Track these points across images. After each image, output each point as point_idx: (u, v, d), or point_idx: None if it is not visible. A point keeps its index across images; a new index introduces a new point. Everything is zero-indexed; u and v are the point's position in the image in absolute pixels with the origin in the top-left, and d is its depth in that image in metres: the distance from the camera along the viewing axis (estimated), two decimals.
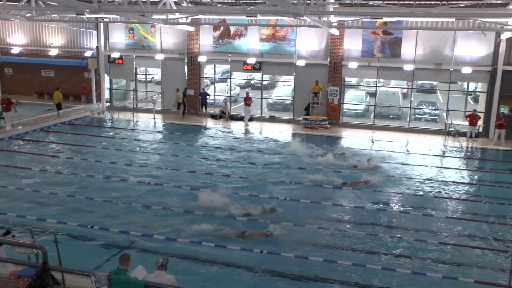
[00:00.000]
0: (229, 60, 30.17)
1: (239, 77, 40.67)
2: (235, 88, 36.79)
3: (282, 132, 27.01)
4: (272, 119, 30.09)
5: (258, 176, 18.47)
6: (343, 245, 12.84)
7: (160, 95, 30.82)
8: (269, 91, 37.08)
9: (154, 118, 29.68)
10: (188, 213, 14.57)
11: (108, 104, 32.81)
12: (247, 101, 28.70)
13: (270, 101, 33.15)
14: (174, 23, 26.08)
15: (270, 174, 18.87)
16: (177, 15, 25.08)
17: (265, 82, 34.12)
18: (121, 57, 31.79)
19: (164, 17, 24.33)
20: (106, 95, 33.08)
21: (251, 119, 29.51)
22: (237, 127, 27.95)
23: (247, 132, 27.02)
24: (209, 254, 12.04)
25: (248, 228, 13.39)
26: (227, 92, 32.57)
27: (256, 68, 29.61)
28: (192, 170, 18.97)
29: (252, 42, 29.42)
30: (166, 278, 8.41)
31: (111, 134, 25.92)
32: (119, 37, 31.86)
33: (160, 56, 30.88)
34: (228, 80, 32.96)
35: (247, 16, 26.58)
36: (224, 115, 29.89)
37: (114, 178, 17.75)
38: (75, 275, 9.10)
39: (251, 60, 29.21)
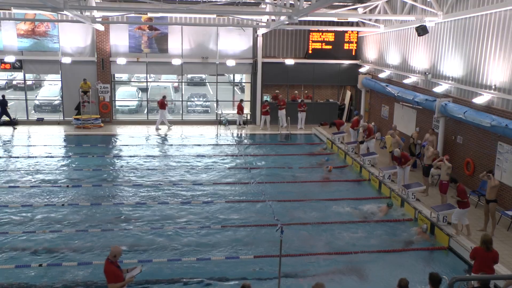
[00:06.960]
0: None
1: None
2: None
3: (54, 135, 25.37)
4: (40, 122, 28.05)
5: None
6: None
7: None
8: (35, 91, 34.58)
9: None
10: None
11: None
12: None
13: (37, 102, 30.90)
14: None
15: None
16: None
17: (29, 82, 31.71)
18: None
19: None
20: None
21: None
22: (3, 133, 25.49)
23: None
24: None
25: None
26: None
27: (17, 67, 27.28)
28: None
29: (8, 38, 26.85)
30: None
31: None
32: None
33: None
34: None
35: None
36: None
37: None
38: None
39: (10, 58, 26.73)
